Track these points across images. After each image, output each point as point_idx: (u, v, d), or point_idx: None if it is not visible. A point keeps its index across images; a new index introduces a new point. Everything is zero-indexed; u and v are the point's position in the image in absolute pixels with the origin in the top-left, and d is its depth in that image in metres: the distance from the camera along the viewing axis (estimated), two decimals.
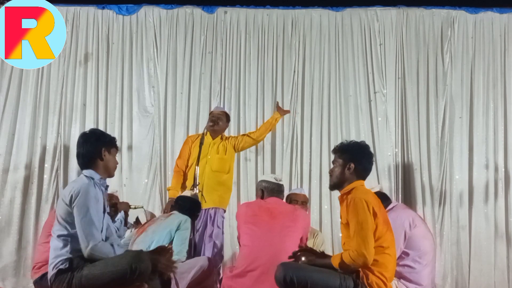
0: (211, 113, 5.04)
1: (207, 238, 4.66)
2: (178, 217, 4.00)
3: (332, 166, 3.29)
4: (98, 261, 2.96)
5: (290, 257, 3.20)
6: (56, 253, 2.96)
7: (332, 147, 5.54)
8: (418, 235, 3.78)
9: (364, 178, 3.16)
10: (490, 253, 5.51)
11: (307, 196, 5.04)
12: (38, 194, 5.61)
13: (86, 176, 3.08)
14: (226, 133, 5.69)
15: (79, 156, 3.17)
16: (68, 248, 2.95)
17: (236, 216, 3.90)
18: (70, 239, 2.96)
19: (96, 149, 3.13)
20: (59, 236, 2.98)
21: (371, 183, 3.74)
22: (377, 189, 3.93)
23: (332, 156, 3.24)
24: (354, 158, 3.13)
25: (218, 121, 4.89)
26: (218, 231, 4.73)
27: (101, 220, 3.00)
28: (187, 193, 4.42)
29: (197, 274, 3.80)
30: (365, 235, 2.89)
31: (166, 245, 3.91)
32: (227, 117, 5.01)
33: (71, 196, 2.96)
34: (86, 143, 3.15)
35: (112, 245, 3.03)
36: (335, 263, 2.98)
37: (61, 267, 2.92)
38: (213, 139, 4.88)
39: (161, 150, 5.76)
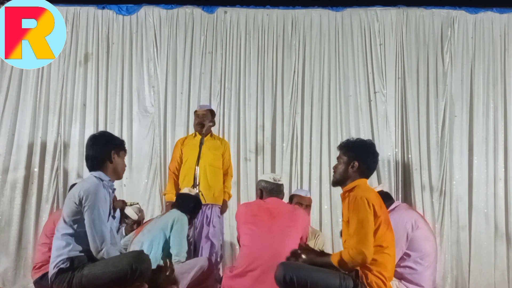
0: (195, 113, 5.13)
1: (203, 239, 4.69)
2: (172, 215, 4.00)
3: (332, 163, 3.27)
4: (99, 261, 2.97)
5: (288, 258, 3.18)
6: (58, 252, 2.97)
7: (332, 147, 5.63)
8: (420, 236, 3.76)
9: (367, 177, 3.15)
10: (490, 253, 5.51)
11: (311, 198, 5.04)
12: (38, 194, 5.61)
13: (95, 177, 3.08)
14: (226, 132, 5.71)
15: (88, 158, 3.16)
16: (70, 247, 2.96)
17: (235, 216, 3.90)
18: (74, 238, 2.97)
19: (105, 151, 3.14)
20: (63, 235, 2.99)
21: (372, 183, 3.74)
22: (380, 188, 3.93)
23: (332, 156, 3.23)
24: (358, 157, 3.11)
25: (205, 120, 4.95)
26: (214, 230, 4.75)
27: (107, 221, 3.02)
28: (186, 190, 4.42)
29: (197, 274, 3.81)
30: (364, 233, 2.88)
31: (163, 248, 3.94)
32: (212, 113, 5.11)
33: (82, 195, 2.97)
34: (96, 146, 3.15)
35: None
36: (335, 260, 2.97)
37: (62, 266, 2.93)
38: (204, 137, 4.93)
39: (161, 150, 5.76)
